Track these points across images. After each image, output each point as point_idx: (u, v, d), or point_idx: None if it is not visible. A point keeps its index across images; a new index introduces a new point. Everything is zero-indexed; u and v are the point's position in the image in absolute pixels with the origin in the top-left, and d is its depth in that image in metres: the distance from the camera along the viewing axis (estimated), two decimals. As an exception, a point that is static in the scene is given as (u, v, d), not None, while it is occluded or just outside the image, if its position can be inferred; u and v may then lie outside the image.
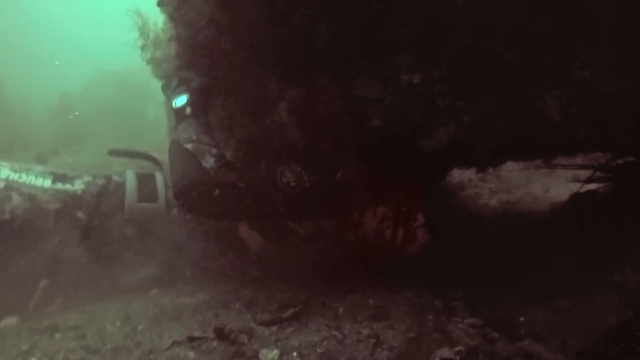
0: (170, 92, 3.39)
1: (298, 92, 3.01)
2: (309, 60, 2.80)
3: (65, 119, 11.32)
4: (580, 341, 1.84)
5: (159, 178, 3.30)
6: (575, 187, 4.49)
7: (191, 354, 2.18)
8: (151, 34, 5.21)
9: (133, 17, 4.85)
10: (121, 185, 3.25)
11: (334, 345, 2.14)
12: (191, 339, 2.30)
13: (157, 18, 4.89)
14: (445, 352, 1.90)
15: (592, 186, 3.83)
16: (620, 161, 3.36)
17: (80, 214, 3.05)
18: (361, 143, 2.97)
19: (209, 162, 2.88)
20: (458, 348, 1.91)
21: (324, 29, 2.63)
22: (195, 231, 3.30)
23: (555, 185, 4.64)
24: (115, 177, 3.34)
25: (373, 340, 2.12)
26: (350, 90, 2.77)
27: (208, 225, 3.38)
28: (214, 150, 2.99)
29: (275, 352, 2.15)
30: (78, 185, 3.15)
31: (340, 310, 2.56)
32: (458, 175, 3.93)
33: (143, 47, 5.17)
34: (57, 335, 2.35)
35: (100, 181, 3.26)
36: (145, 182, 3.24)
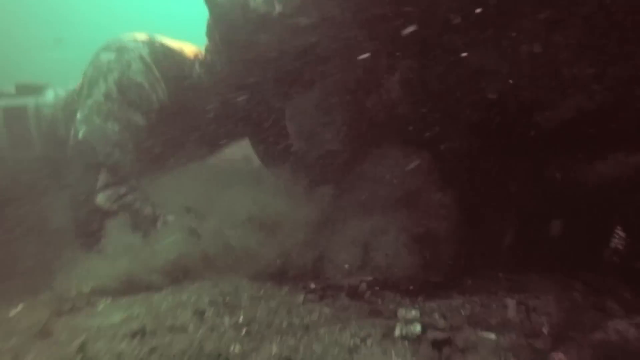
0: None
1: (410, 64, 2.99)
2: (421, 33, 2.76)
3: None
4: None
5: None
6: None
7: (326, 309, 2.17)
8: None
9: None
10: None
11: (478, 309, 2.04)
12: (322, 296, 2.30)
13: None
14: (620, 322, 1.73)
15: None
16: None
17: None
18: (473, 117, 2.89)
19: None
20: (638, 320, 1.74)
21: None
22: None
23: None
24: None
25: (523, 307, 2.01)
26: (464, 63, 2.70)
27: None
28: None
29: (415, 312, 2.08)
30: None
31: (469, 282, 2.46)
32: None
33: None
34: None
35: None
36: None
